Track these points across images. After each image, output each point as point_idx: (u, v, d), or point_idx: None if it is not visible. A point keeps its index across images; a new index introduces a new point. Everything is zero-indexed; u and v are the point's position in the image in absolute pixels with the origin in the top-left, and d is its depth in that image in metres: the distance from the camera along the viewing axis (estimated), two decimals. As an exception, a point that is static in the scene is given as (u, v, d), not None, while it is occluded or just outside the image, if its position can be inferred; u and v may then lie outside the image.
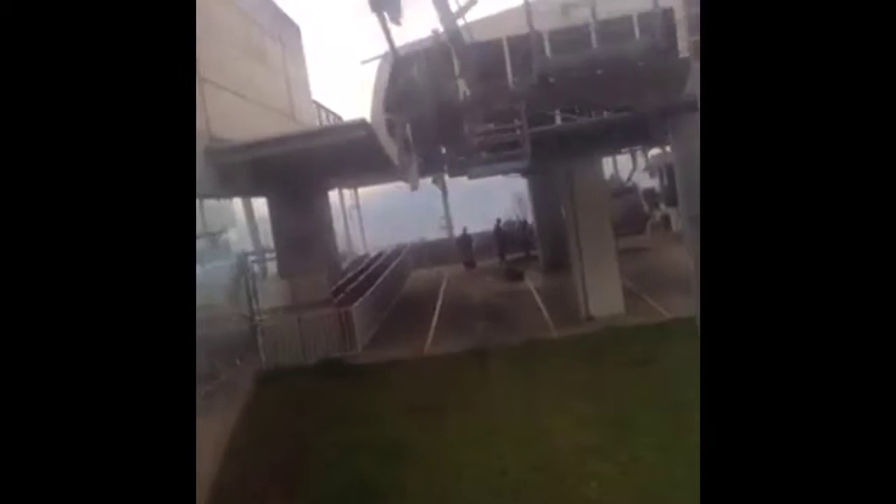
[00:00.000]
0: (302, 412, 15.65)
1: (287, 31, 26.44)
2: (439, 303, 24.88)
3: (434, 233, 41.25)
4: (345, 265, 30.61)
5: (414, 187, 15.68)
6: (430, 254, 37.61)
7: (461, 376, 16.29)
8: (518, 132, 11.34)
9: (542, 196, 29.20)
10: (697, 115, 8.27)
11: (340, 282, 24.08)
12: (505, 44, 14.33)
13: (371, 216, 43.62)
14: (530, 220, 33.82)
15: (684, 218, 8.96)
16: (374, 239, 41.57)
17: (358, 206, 40.42)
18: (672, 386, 12.91)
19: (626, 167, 32.43)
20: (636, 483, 11.52)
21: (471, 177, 15.39)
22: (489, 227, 36.08)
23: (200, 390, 15.42)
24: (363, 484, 12.67)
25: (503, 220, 37.09)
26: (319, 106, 31.16)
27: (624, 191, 31.81)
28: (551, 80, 10.30)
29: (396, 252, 35.80)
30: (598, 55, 9.98)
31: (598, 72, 10.08)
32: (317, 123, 29.37)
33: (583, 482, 11.79)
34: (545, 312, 20.96)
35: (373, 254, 36.70)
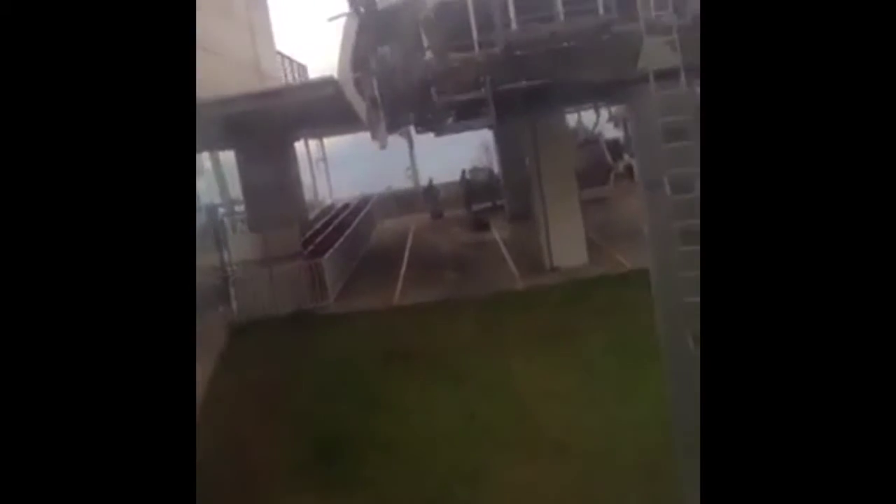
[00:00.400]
0: (276, 362, 16.14)
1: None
2: (407, 253, 25.34)
3: (401, 182, 41.39)
4: (312, 216, 30.88)
5: (382, 146, 15.96)
6: (397, 203, 37.89)
7: (430, 326, 16.83)
8: (483, 92, 11.73)
9: (508, 145, 29.43)
10: (650, 87, 8.72)
11: (309, 233, 24.42)
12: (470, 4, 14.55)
13: (337, 165, 43.61)
14: (497, 169, 34.10)
15: (642, 184, 9.43)
16: (341, 189, 41.66)
17: (325, 158, 40.44)
18: (632, 334, 13.54)
19: (590, 118, 32.74)
20: (597, 425, 12.24)
21: (438, 134, 15.71)
22: (456, 176, 36.25)
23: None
24: (337, 429, 13.28)
25: (469, 169, 37.31)
26: (284, 57, 31.03)
27: (587, 142, 32.14)
28: (518, 52, 10.70)
29: (364, 202, 36.04)
30: (562, 28, 10.36)
31: (564, 44, 10.45)
32: (281, 75, 29.30)
33: (547, 424, 12.48)
34: (511, 263, 21.52)
35: (339, 204, 36.90)
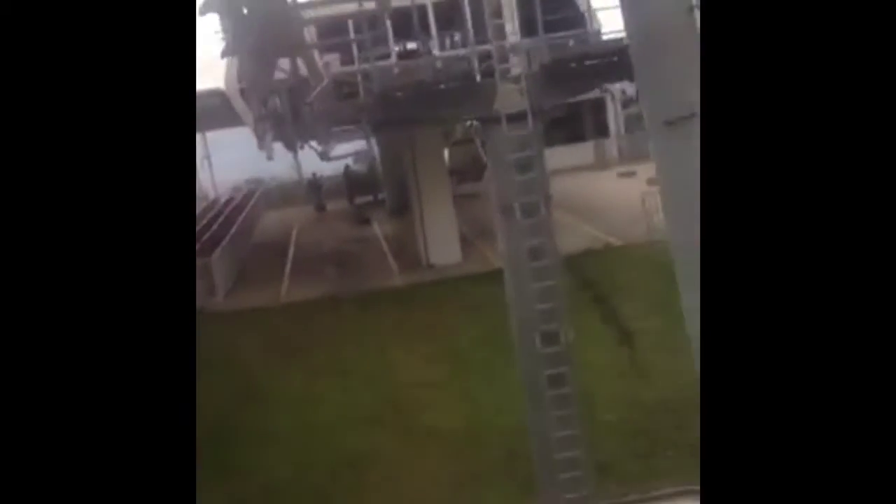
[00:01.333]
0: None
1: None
2: (292, 249, 26.19)
3: (286, 173, 41.66)
4: (198, 211, 31.15)
5: (269, 158, 16.87)
6: (281, 196, 38.43)
7: (316, 321, 17.95)
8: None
9: (387, 140, 30.55)
10: (503, 127, 9.91)
11: (196, 229, 24.92)
12: (350, 26, 15.62)
13: (222, 154, 43.46)
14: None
15: (498, 213, 10.69)
16: (225, 182, 41.71)
17: (208, 157, 40.32)
18: (498, 329, 15.09)
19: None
20: (467, 410, 13.75)
21: (322, 159, 16.89)
22: (340, 167, 36.80)
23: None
24: (223, 421, 14.24)
25: (353, 159, 38.01)
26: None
27: (463, 140, 33.60)
28: (398, 94, 11.83)
29: (248, 196, 36.45)
30: (441, 73, 11.52)
31: (441, 86, 11.59)
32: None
33: (422, 411, 13.91)
34: (391, 259, 22.83)
35: (224, 198, 37.15)
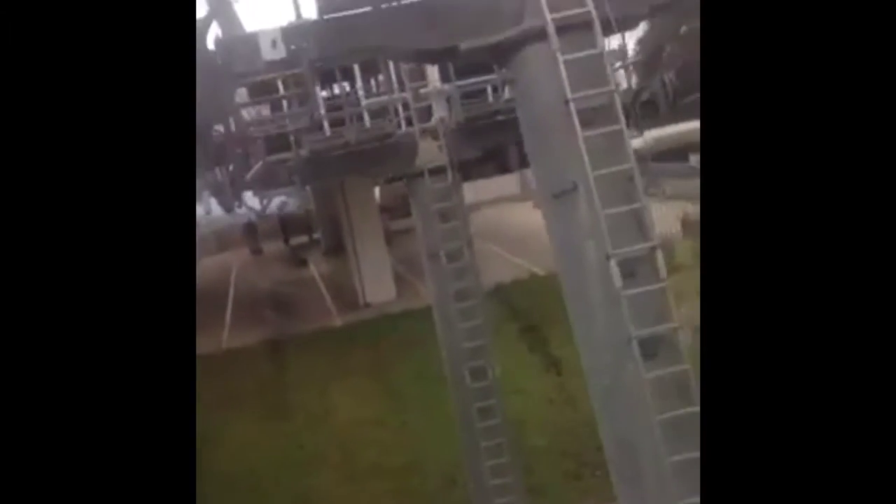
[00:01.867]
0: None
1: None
2: (231, 293, 26.55)
3: (221, 218, 41.59)
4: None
5: (208, 212, 17.32)
6: (217, 241, 38.52)
7: (257, 366, 18.47)
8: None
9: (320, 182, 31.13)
10: (426, 180, 10.58)
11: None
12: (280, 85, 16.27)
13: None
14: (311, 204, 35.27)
15: (426, 259, 11.38)
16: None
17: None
18: (432, 364, 15.85)
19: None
20: (407, 444, 14.44)
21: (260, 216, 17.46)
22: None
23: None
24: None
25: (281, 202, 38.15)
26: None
27: (392, 178, 34.18)
28: (326, 155, 12.57)
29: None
30: (365, 133, 12.20)
31: (364, 147, 12.52)
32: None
33: (364, 448, 14.55)
34: (328, 300, 23.43)
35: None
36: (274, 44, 6.92)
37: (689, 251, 18.51)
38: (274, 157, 13.69)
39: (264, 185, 13.88)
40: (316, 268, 28.41)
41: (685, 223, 21.72)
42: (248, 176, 14.00)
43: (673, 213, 22.67)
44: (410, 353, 17.42)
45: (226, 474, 14.32)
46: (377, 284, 22.08)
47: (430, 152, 10.85)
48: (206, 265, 35.06)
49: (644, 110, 17.84)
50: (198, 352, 14.91)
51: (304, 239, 35.32)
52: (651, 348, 5.52)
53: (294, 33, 6.72)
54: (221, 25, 12.08)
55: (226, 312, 23.83)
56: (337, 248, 27.86)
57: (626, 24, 6.79)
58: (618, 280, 5.32)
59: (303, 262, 29.80)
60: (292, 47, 6.76)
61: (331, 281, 25.46)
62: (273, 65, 7.51)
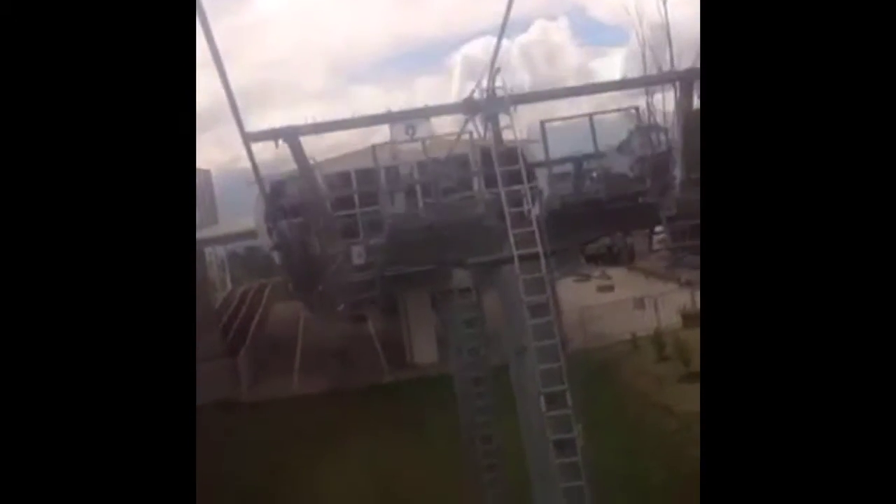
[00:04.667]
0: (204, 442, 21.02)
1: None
2: (299, 346, 30.33)
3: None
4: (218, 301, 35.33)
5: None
6: (287, 289, 42.29)
7: (320, 412, 22.19)
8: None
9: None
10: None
11: (222, 324, 29.13)
12: (353, 179, 19.45)
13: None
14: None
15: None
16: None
17: (226, 263, 44.22)
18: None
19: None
20: (430, 484, 17.85)
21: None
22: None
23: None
24: (249, 490, 18.56)
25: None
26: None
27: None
28: (407, 238, 11.56)
29: (260, 289, 40.60)
30: (439, 219, 11.25)
31: (444, 233, 11.12)
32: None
33: (399, 486, 18.06)
34: (381, 357, 27.06)
35: (240, 290, 41.31)
36: (360, 255, 10.47)
37: (679, 345, 21.49)
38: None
39: (344, 298, 15.92)
40: (373, 324, 31.92)
41: (685, 316, 24.47)
42: (324, 287, 15.83)
43: (682, 302, 25.45)
44: (442, 412, 20.67)
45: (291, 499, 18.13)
46: (423, 347, 25.61)
47: (522, 239, 9.39)
48: (278, 311, 38.91)
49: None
50: (271, 397, 19.30)
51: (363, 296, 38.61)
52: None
53: (372, 250, 10.22)
54: (303, 190, 13.91)
55: (294, 360, 27.63)
56: (392, 308, 31.07)
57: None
58: (544, 405, 8.72)
59: (362, 319, 33.16)
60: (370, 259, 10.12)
61: (384, 338, 29.01)
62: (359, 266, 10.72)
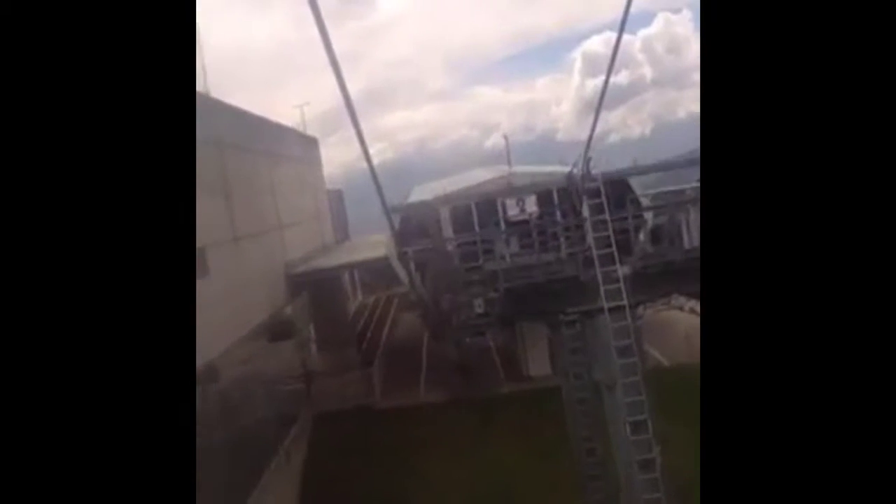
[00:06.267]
0: (343, 441, 24.00)
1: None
2: (425, 355, 32.79)
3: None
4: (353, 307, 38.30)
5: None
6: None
7: (446, 419, 24.56)
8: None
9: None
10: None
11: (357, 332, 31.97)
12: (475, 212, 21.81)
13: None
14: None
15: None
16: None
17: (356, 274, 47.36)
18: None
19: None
20: (540, 485, 19.86)
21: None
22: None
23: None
24: (381, 489, 21.05)
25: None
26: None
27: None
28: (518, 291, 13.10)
29: (389, 300, 43.54)
30: (554, 271, 12.82)
31: (549, 288, 12.75)
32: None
33: (513, 486, 20.18)
34: (500, 369, 29.19)
35: (371, 300, 44.41)
36: (480, 305, 12.59)
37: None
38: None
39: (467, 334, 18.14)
40: (493, 339, 33.92)
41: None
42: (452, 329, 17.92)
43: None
44: (553, 421, 22.52)
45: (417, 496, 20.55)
46: (537, 360, 27.52)
47: (612, 294, 11.47)
48: (405, 321, 41.50)
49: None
50: (401, 403, 22.15)
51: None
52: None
53: (489, 302, 12.28)
54: (433, 237, 16.25)
55: (421, 372, 30.22)
56: (510, 325, 33.15)
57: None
58: (629, 431, 10.58)
59: (482, 333, 35.17)
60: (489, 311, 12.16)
61: (502, 351, 31.05)
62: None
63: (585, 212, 12.29)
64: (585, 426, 15.75)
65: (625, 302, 11.08)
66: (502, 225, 21.27)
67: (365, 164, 10.14)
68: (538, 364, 27.51)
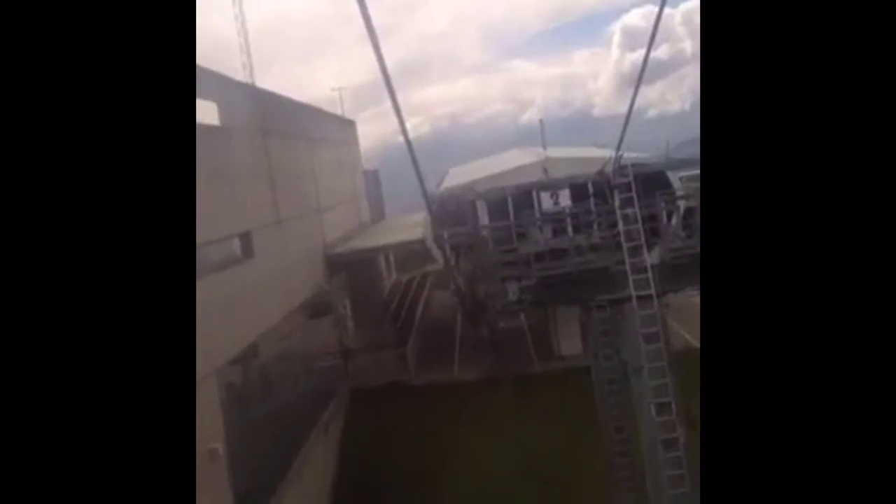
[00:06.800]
0: (380, 415, 24.92)
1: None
2: (458, 334, 33.50)
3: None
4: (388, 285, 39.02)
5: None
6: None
7: (480, 396, 25.35)
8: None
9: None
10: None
11: (392, 310, 32.76)
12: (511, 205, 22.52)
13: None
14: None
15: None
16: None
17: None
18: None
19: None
20: (571, 461, 20.56)
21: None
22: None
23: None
24: (420, 464, 21.87)
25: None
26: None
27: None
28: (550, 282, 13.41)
29: (423, 279, 44.32)
30: (579, 268, 13.10)
31: (579, 277, 13.16)
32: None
33: (545, 461, 20.87)
34: (532, 349, 29.88)
35: (405, 278, 45.29)
36: (514, 292, 13.21)
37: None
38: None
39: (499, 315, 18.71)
40: (526, 318, 34.55)
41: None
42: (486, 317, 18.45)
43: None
44: (584, 399, 23.18)
45: (453, 471, 21.33)
46: (568, 340, 28.10)
47: (639, 283, 11.94)
48: (439, 298, 42.12)
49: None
50: (435, 380, 23.14)
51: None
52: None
53: (523, 290, 13.00)
54: (470, 225, 15.87)
55: (454, 351, 30.98)
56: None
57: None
58: (654, 412, 11.21)
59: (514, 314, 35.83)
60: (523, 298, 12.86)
61: (535, 332, 31.68)
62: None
63: (616, 204, 12.76)
64: (614, 405, 16.27)
65: (652, 291, 11.59)
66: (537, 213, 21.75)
67: (400, 139, 10.24)
68: (569, 343, 28.08)
